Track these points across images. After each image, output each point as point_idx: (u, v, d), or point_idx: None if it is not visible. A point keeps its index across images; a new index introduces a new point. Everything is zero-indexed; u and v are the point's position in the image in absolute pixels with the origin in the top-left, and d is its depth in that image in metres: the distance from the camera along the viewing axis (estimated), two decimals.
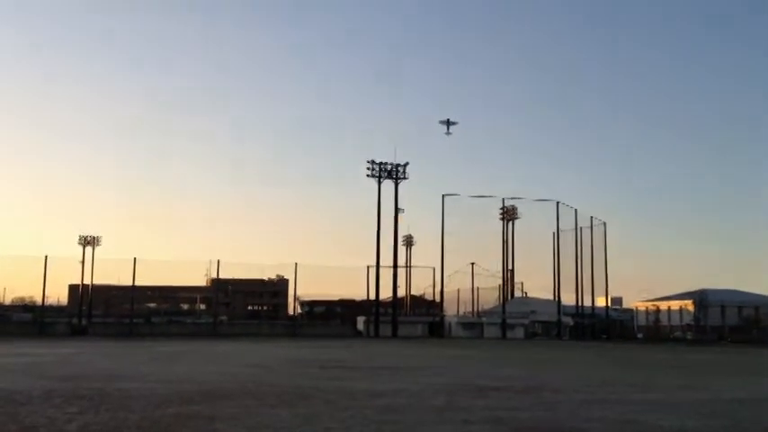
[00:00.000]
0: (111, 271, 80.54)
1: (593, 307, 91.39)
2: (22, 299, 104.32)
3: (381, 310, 78.08)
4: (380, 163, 78.64)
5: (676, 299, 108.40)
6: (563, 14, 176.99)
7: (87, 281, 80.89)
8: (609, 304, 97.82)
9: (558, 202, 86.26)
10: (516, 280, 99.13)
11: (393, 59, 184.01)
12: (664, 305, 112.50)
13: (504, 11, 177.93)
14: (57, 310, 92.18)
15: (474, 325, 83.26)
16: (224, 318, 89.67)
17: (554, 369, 26.70)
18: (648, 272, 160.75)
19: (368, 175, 78.61)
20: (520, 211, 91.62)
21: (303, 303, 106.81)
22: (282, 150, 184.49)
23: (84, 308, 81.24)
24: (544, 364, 29.71)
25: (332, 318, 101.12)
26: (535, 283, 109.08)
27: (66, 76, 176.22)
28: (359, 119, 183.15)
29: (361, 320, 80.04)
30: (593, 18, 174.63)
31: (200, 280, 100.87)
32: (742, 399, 15.23)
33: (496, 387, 16.82)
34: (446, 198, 79.33)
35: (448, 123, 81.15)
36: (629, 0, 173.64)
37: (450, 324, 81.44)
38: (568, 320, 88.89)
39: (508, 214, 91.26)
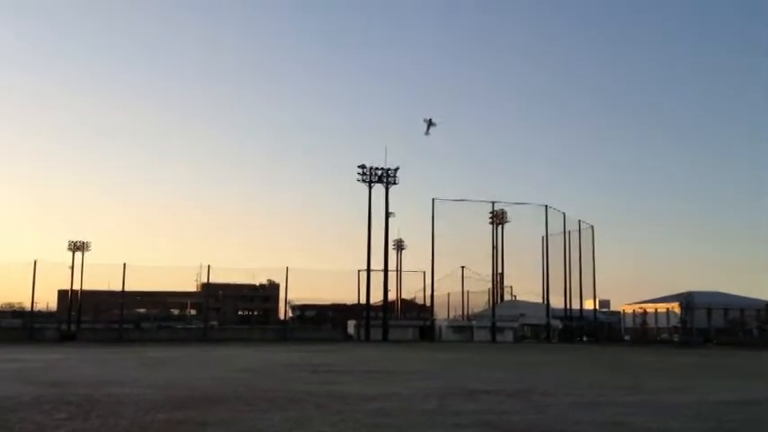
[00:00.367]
0: (100, 276, 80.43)
1: (581, 310, 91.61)
2: (11, 304, 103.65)
3: (372, 313, 78.06)
4: (371, 167, 78.71)
5: (663, 301, 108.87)
6: (556, 16, 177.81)
7: (77, 286, 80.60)
8: (597, 307, 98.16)
9: (546, 206, 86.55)
10: (506, 283, 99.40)
11: (384, 63, 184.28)
12: (651, 308, 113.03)
13: (498, 13, 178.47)
14: (46, 315, 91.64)
15: (464, 328, 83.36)
16: (214, 323, 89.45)
17: (543, 372, 26.82)
18: (636, 275, 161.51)
19: (358, 180, 78.75)
20: (509, 215, 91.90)
21: (294, 308, 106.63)
22: (274, 155, 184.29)
23: (73, 313, 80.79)
24: (533, 367, 29.83)
25: (323, 322, 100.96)
26: (524, 286, 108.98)
27: (56, 77, 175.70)
28: (349, 123, 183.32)
29: (351, 324, 79.99)
30: (585, 19, 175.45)
31: (190, 285, 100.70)
32: (728, 401, 15.38)
33: (487, 390, 16.91)
34: (436, 202, 79.47)
35: (429, 124, 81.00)
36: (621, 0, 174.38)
37: (440, 328, 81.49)
38: (557, 323, 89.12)
39: (497, 218, 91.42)
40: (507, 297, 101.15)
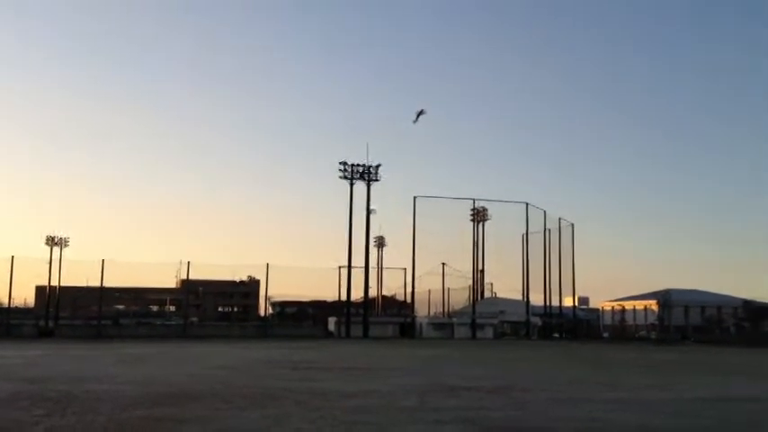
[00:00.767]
0: (78, 272, 79.43)
1: (560, 307, 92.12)
2: None
3: (353, 310, 77.94)
4: (352, 164, 78.51)
5: (641, 299, 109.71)
6: (537, 14, 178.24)
7: (55, 282, 79.66)
8: (576, 304, 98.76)
9: (527, 204, 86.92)
10: (486, 281, 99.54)
11: (366, 61, 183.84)
12: (629, 305, 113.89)
13: (479, 10, 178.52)
14: (23, 311, 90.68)
15: (444, 325, 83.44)
16: (194, 319, 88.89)
17: (523, 369, 26.96)
18: (615, 272, 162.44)
19: (340, 177, 78.56)
20: (490, 212, 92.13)
21: (274, 304, 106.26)
22: (255, 152, 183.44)
23: (51, 309, 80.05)
24: (513, 364, 29.97)
25: (303, 318, 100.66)
26: (505, 283, 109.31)
27: (35, 74, 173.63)
28: (330, 120, 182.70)
29: (332, 321, 79.77)
30: (567, 17, 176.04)
31: (170, 281, 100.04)
32: (704, 398, 15.53)
33: (467, 387, 16.96)
34: (417, 199, 79.57)
35: (419, 113, 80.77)
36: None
37: (421, 325, 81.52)
38: (537, 320, 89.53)
39: (479, 216, 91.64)
40: (488, 294, 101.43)
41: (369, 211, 78.67)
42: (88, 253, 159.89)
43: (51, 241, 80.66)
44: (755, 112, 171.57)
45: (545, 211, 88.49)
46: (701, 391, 17.23)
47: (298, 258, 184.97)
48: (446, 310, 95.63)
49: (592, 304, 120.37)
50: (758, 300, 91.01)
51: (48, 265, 78.77)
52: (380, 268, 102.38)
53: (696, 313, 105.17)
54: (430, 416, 11.41)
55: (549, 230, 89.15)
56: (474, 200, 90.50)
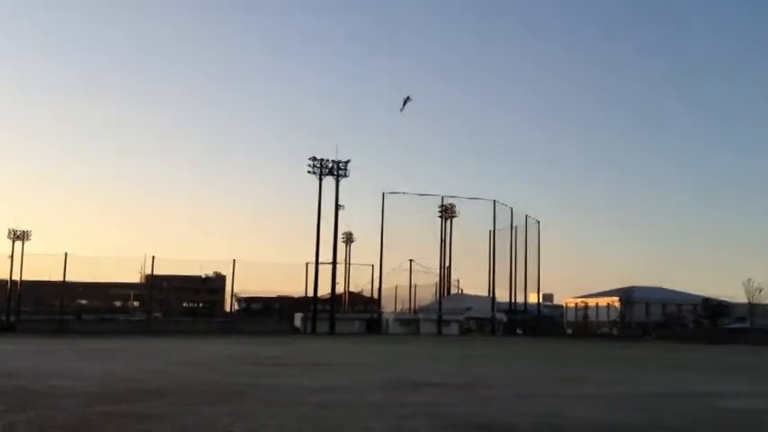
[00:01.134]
0: (41, 266, 78.30)
1: (525, 303, 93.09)
2: None
3: (319, 306, 77.96)
4: (321, 160, 78.46)
5: (604, 296, 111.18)
6: (503, 10, 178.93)
7: (16, 276, 78.74)
8: (540, 301, 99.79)
9: (494, 202, 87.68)
10: (453, 277, 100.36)
11: (335, 57, 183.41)
12: (592, 302, 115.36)
13: (446, 7, 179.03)
14: None
15: (411, 321, 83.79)
16: (158, 315, 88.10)
17: (488, 365, 27.17)
18: (580, 269, 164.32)
19: (309, 172, 78.46)
20: (458, 209, 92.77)
21: (240, 300, 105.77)
22: (222, 145, 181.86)
23: (12, 304, 78.90)
24: (478, 360, 30.18)
25: (269, 314, 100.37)
26: (471, 280, 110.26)
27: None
28: (299, 115, 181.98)
29: (298, 317, 79.67)
30: (533, 12, 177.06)
31: (134, 276, 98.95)
32: (666, 393, 15.81)
33: (432, 383, 17.05)
34: (386, 196, 79.83)
35: (405, 100, 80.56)
36: None
37: (387, 320, 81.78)
38: (502, 317, 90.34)
39: (446, 212, 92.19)
40: (454, 291, 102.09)
41: (337, 207, 78.70)
42: (51, 247, 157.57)
43: (13, 235, 79.43)
44: (718, 107, 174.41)
45: (512, 209, 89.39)
46: (662, 386, 17.52)
47: (265, 254, 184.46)
48: (413, 306, 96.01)
49: (556, 301, 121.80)
50: (717, 297, 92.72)
51: (9, 260, 77.62)
52: (348, 264, 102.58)
53: (657, 310, 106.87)
54: (395, 411, 11.46)
55: (516, 228, 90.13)
56: (442, 197, 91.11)
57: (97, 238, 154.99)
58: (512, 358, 32.62)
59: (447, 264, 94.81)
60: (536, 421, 10.72)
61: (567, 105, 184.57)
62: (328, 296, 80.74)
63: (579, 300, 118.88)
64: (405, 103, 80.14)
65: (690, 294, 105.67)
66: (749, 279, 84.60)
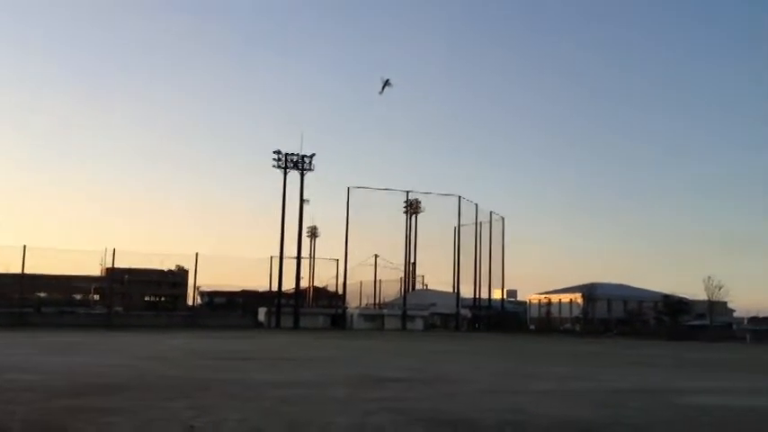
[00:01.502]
0: None
1: (489, 299, 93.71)
2: None
3: (283, 301, 77.69)
4: (286, 153, 78.17)
5: (567, 292, 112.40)
6: (469, 6, 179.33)
7: None
8: (505, 297, 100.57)
9: (459, 197, 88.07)
10: (418, 273, 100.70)
11: (299, 51, 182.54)
12: (555, 298, 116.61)
13: (410, 3, 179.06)
14: None
15: (375, 317, 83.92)
16: (119, 308, 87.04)
17: (451, 360, 27.29)
18: (544, 265, 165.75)
19: (274, 166, 78.06)
20: (423, 204, 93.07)
21: (203, 294, 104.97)
22: (185, 137, 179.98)
23: None
24: (442, 356, 30.31)
25: (233, 309, 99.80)
26: (436, 275, 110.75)
27: None
28: (265, 108, 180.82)
29: (262, 311, 79.32)
30: (499, 10, 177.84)
31: (94, 269, 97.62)
32: (625, 389, 16.01)
33: (396, 378, 17.09)
34: (351, 190, 79.80)
35: (385, 83, 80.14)
36: None
37: (352, 316, 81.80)
38: (466, 312, 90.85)
39: (412, 208, 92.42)
40: (419, 286, 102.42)
41: (302, 201, 78.49)
42: (8, 239, 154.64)
43: None
44: (679, 106, 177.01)
45: (477, 205, 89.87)
46: (623, 383, 17.75)
47: (228, 248, 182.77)
48: (377, 301, 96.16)
49: (520, 297, 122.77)
50: (677, 294, 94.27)
51: None
52: (313, 259, 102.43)
53: (619, 307, 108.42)
54: (358, 406, 11.45)
55: (481, 224, 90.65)
56: (407, 192, 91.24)
57: (58, 231, 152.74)
58: (475, 354, 32.82)
59: (412, 259, 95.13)
60: (499, 417, 10.78)
61: (531, 103, 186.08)
62: (293, 291, 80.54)
63: (542, 296, 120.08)
64: (384, 85, 79.81)
65: (651, 291, 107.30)
66: (709, 276, 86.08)
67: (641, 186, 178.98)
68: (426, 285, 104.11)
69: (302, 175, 78.57)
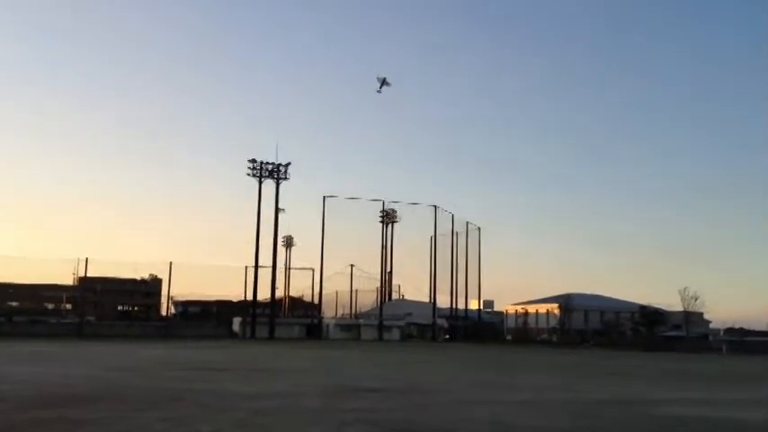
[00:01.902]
0: None
1: (466, 310, 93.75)
2: None
3: (259, 311, 77.17)
4: (262, 162, 77.80)
5: (544, 303, 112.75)
6: (445, 13, 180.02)
7: None
8: (481, 307, 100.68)
9: (435, 207, 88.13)
10: (394, 282, 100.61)
11: (276, 58, 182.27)
12: (532, 309, 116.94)
13: (389, 10, 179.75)
14: None
15: (351, 327, 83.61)
16: (91, 318, 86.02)
17: (428, 370, 27.19)
18: (521, 276, 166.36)
19: (248, 174, 77.68)
20: (399, 214, 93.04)
21: (177, 303, 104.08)
22: (159, 144, 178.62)
23: None
24: (418, 366, 30.20)
25: (207, 318, 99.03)
26: (412, 285, 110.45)
27: None
28: (240, 116, 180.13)
29: (237, 321, 78.71)
30: (475, 16, 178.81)
31: (67, 278, 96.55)
32: (602, 400, 15.99)
33: (371, 388, 16.95)
34: (327, 200, 79.53)
35: (383, 82, 79.64)
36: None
37: (328, 326, 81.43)
38: (443, 323, 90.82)
39: (388, 217, 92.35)
40: (395, 296, 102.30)
41: (277, 210, 78.09)
42: None
43: None
44: (650, 114, 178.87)
45: (453, 215, 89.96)
46: (600, 393, 17.74)
47: (203, 257, 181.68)
48: (353, 311, 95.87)
49: (497, 307, 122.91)
50: (653, 305, 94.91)
51: None
52: (288, 268, 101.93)
53: (596, 317, 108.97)
54: (333, 417, 11.30)
55: (457, 234, 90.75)
56: (383, 201, 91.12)
57: (29, 240, 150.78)
58: (452, 364, 32.74)
59: (388, 269, 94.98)
60: (475, 428, 10.69)
61: (506, 114, 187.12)
62: (268, 300, 80.00)
63: (519, 306, 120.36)
64: (382, 84, 79.60)
65: (627, 302, 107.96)
66: (685, 287, 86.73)
67: (616, 197, 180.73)
68: (403, 295, 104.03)
69: (277, 184, 78.25)
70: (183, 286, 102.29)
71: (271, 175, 78.21)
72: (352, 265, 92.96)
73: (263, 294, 78.93)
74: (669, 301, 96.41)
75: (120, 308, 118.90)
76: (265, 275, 77.70)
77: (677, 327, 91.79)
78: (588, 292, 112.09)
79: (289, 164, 79.10)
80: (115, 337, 61.12)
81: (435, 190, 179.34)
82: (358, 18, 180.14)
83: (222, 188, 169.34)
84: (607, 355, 50.80)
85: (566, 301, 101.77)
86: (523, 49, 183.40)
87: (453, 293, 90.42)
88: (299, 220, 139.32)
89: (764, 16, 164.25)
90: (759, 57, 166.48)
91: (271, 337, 72.55)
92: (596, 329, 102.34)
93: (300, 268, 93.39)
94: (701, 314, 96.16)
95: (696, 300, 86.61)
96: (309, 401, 13.74)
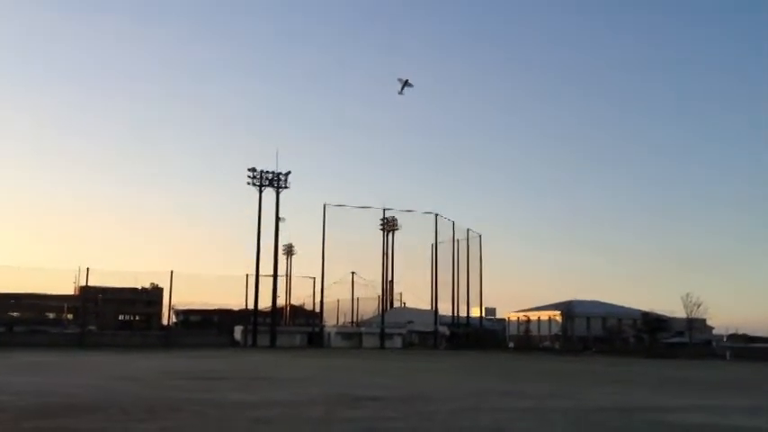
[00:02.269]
0: None
1: (468, 317, 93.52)
2: None
3: (260, 319, 76.96)
4: (262, 171, 77.74)
5: (546, 309, 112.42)
6: (439, 20, 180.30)
7: None
8: (483, 314, 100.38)
9: (436, 215, 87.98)
10: (396, 290, 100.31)
11: (275, 67, 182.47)
12: (534, 316, 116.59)
13: (384, 16, 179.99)
14: None
15: (353, 335, 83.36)
16: (92, 327, 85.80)
17: (429, 378, 27.07)
18: (523, 283, 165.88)
19: (249, 183, 77.64)
20: (400, 222, 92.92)
21: (178, 312, 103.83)
22: (160, 154, 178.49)
23: None
24: (420, 374, 30.07)
25: (208, 327, 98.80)
26: (414, 293, 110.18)
27: None
28: (240, 125, 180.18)
29: (238, 330, 78.52)
30: (473, 24, 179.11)
31: (68, 288, 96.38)
32: (606, 407, 15.88)
33: (373, 397, 16.84)
34: (328, 208, 79.40)
35: (404, 84, 79.30)
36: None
37: (329, 334, 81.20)
38: (444, 330, 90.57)
39: (389, 225, 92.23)
40: (397, 304, 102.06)
41: (278, 219, 77.98)
42: None
43: None
44: (651, 127, 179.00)
45: (454, 222, 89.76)
46: (604, 401, 17.63)
47: (203, 266, 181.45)
48: (355, 319, 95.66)
49: (498, 315, 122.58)
50: (655, 312, 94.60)
51: None
52: (289, 277, 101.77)
53: (598, 324, 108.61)
54: (335, 427, 11.22)
55: (458, 241, 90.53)
56: (384, 209, 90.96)
57: (31, 250, 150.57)
58: (453, 372, 32.61)
59: (389, 277, 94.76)
60: None
61: (507, 122, 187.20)
62: (269, 309, 79.81)
63: (521, 313, 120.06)
64: (404, 86, 79.32)
65: (629, 308, 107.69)
66: (687, 293, 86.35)
67: (618, 204, 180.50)
68: (404, 303, 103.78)
69: (278, 193, 78.17)
70: (184, 295, 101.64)
71: (271, 183, 78.13)
72: (353, 273, 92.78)
73: (265, 303, 78.78)
74: (671, 308, 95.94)
75: (121, 317, 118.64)
76: (266, 284, 77.58)
77: (680, 333, 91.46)
78: (590, 298, 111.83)
79: (289, 172, 79.10)
80: (116, 347, 60.98)
81: (436, 197, 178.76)
82: (357, 27, 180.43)
83: (223, 197, 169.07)
84: (609, 362, 50.61)
85: (568, 308, 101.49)
86: (523, 55, 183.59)
87: (455, 301, 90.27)
88: (300, 229, 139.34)
89: (762, 20, 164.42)
90: (760, 62, 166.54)
91: (272, 345, 72.38)
92: (598, 336, 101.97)
93: (302, 276, 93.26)
94: (704, 320, 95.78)
95: (699, 306, 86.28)
96: (311, 410, 13.64)
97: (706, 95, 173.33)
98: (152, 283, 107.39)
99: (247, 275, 77.02)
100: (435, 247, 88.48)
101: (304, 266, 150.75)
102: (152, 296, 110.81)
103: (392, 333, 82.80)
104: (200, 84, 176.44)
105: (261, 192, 77.60)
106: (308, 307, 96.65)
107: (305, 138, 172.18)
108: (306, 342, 77.93)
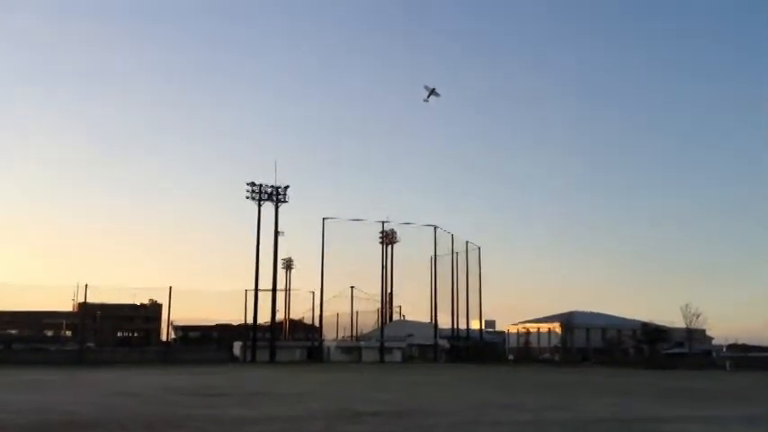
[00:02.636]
0: None
1: (467, 330, 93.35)
2: None
3: (259, 334, 76.79)
4: (260, 185, 77.82)
5: (545, 321, 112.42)
6: (436, 26, 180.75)
7: None
8: (483, 327, 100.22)
9: (435, 227, 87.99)
10: (395, 303, 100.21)
11: (273, 82, 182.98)
12: (534, 327, 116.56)
13: (388, 31, 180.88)
14: None
15: (352, 349, 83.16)
16: (91, 344, 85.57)
17: (429, 392, 27.01)
18: (522, 295, 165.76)
19: (247, 197, 77.69)
20: (399, 235, 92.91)
21: (177, 328, 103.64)
22: (158, 168, 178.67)
23: None
24: (420, 388, 30.01)
25: (207, 343, 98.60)
26: (413, 306, 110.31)
27: None
28: (238, 139, 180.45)
29: (237, 345, 78.33)
30: (466, 35, 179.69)
31: (66, 305, 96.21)
32: (606, 419, 15.87)
33: (373, 411, 16.82)
34: (326, 221, 79.39)
35: (431, 92, 78.97)
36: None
37: (328, 348, 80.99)
38: (444, 343, 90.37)
39: (388, 238, 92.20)
40: (396, 317, 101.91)
41: (277, 233, 77.97)
42: None
43: None
44: (650, 131, 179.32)
45: (453, 235, 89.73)
46: (604, 413, 17.61)
47: (202, 281, 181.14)
48: (354, 333, 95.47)
49: (498, 327, 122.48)
50: (655, 322, 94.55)
51: None
52: (288, 291, 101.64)
53: (597, 335, 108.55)
54: None
55: (457, 254, 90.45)
56: (383, 222, 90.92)
57: (28, 266, 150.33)
58: (454, 385, 32.55)
59: (389, 290, 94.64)
60: None
61: (505, 134, 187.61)
62: (268, 324, 79.65)
63: (521, 326, 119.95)
64: (430, 94, 79.12)
65: (628, 319, 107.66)
66: (687, 304, 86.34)
67: (617, 214, 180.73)
68: (404, 316, 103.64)
69: (277, 207, 78.22)
70: (183, 311, 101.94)
71: (270, 197, 78.19)
72: (352, 287, 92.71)
73: (264, 318, 78.63)
74: (671, 318, 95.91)
75: (120, 334, 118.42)
76: (265, 299, 77.47)
77: (680, 344, 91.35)
78: (589, 309, 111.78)
79: (287, 186, 79.20)
80: (116, 363, 60.81)
81: (435, 210, 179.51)
82: (357, 39, 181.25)
83: (221, 211, 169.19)
84: (609, 373, 50.51)
85: (567, 320, 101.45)
86: (520, 64, 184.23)
87: (454, 314, 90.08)
88: (299, 243, 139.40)
89: (762, 22, 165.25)
90: (760, 71, 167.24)
91: (272, 360, 72.20)
92: (598, 347, 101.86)
93: (301, 291, 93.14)
94: (704, 331, 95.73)
95: (698, 316, 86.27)
96: (311, 426, 13.62)
97: (706, 103, 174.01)
98: (151, 299, 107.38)
99: (246, 290, 76.97)
100: (434, 259, 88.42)
101: (303, 280, 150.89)
102: (151, 312, 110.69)
103: (392, 347, 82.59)
104: (199, 97, 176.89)
105: (260, 206, 77.68)
106: (308, 321, 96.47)
107: (304, 151, 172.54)
108: (305, 356, 77.71)
